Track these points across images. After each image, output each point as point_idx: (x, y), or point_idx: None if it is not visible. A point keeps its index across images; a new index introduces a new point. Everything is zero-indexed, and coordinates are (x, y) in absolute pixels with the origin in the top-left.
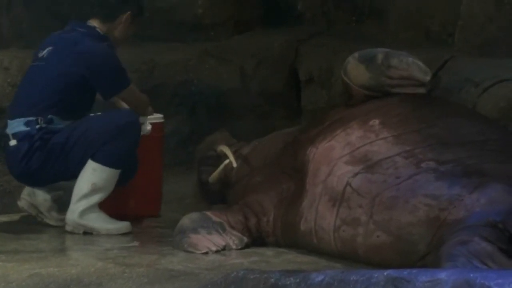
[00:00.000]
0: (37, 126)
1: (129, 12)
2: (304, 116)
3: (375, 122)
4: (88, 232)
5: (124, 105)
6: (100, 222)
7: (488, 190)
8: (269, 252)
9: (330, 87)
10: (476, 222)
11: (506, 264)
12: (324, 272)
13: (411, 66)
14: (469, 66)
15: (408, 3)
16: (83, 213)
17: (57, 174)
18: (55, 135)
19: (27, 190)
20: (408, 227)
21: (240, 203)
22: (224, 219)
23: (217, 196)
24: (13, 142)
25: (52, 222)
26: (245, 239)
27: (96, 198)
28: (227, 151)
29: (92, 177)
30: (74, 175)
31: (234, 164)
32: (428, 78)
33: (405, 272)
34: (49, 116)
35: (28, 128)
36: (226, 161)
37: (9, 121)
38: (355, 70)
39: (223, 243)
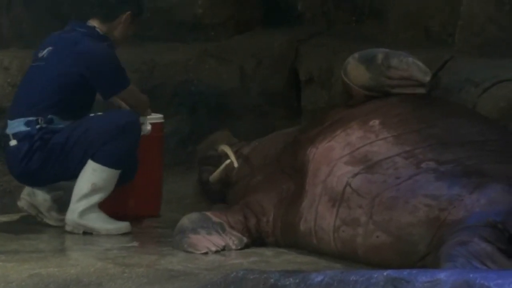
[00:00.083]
0: (37, 126)
1: (129, 12)
2: (304, 116)
3: (375, 122)
4: (88, 232)
5: (124, 105)
6: (100, 222)
7: (488, 190)
8: (268, 252)
9: (330, 87)
10: (476, 223)
11: (506, 265)
12: (324, 273)
13: (411, 67)
14: (469, 66)
15: (408, 3)
16: (83, 213)
17: (57, 174)
18: (55, 135)
19: (27, 190)
20: (408, 227)
21: (240, 203)
22: (224, 220)
23: (218, 195)
24: (13, 142)
25: (52, 222)
26: (245, 239)
27: (96, 198)
28: (229, 151)
29: (92, 177)
30: (74, 175)
31: (236, 164)
32: (428, 78)
33: (404, 273)
34: (49, 116)
35: (28, 128)
36: (227, 161)
37: (9, 121)
38: (355, 71)
39: (223, 243)
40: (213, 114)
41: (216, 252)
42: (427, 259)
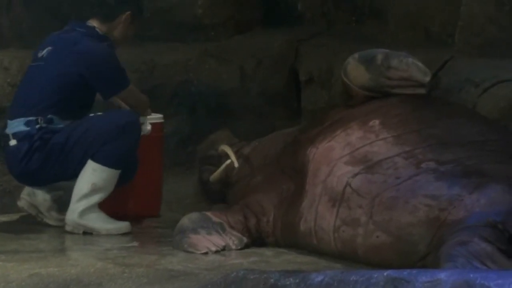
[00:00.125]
0: (37, 126)
1: (128, 12)
2: (304, 116)
3: (375, 122)
4: (88, 232)
5: (124, 105)
6: (100, 222)
7: (488, 190)
8: (268, 252)
9: (330, 87)
10: (476, 223)
11: (506, 265)
12: (324, 273)
13: (410, 67)
14: (469, 66)
15: (408, 3)
16: (83, 213)
17: (57, 174)
18: (55, 135)
19: (27, 190)
20: (408, 227)
21: (240, 203)
22: (224, 220)
23: (218, 195)
24: (13, 142)
25: (52, 222)
26: (245, 239)
27: (96, 198)
28: (229, 151)
29: (92, 177)
30: (74, 175)
31: (236, 165)
32: (427, 79)
33: (405, 273)
34: (49, 116)
35: (28, 128)
36: (228, 161)
37: (9, 121)
38: (355, 71)
39: (223, 243)
40: (213, 114)
41: (216, 252)
42: (427, 259)
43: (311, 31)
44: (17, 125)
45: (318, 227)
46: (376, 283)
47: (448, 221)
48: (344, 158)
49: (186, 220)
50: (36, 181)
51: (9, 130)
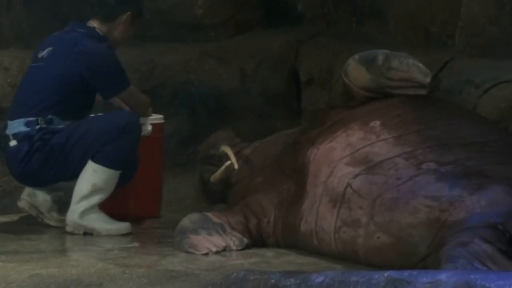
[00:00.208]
0: (37, 127)
1: (129, 13)
2: (304, 116)
3: (376, 123)
4: (88, 233)
5: (124, 106)
6: (100, 222)
7: (488, 191)
8: (269, 253)
9: (330, 88)
10: (477, 224)
11: (507, 266)
12: (325, 273)
13: (411, 68)
14: (470, 67)
15: (409, 4)
16: (84, 213)
17: (57, 175)
18: (55, 135)
19: (27, 190)
20: (408, 228)
21: (240, 204)
22: (225, 220)
23: (219, 195)
24: (13, 143)
25: (52, 223)
26: (246, 240)
27: (96, 199)
28: (229, 152)
29: (92, 178)
30: (74, 176)
31: (236, 166)
32: (428, 79)
33: (405, 273)
34: (49, 117)
35: (28, 129)
36: (228, 162)
37: (9, 122)
38: (355, 72)
39: (224, 244)
40: (213, 115)
41: (217, 252)
42: (428, 260)
43: (311, 31)
44: (17, 126)
45: (319, 228)
46: (376, 284)
47: (448, 222)
48: (344, 159)
49: (186, 221)
50: (36, 182)
51: (9, 131)
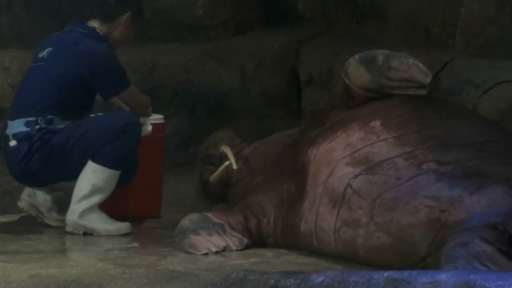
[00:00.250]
0: (37, 127)
1: (129, 13)
2: (304, 117)
3: (376, 123)
4: (88, 233)
5: (124, 106)
6: (100, 222)
7: (488, 191)
8: (269, 253)
9: (330, 88)
10: (477, 224)
11: (506, 266)
12: (324, 273)
13: (411, 68)
14: (470, 67)
15: (409, 4)
16: (83, 213)
17: (57, 175)
18: (55, 135)
19: (27, 190)
20: (408, 228)
21: (240, 204)
22: (225, 220)
23: (218, 195)
24: (13, 143)
25: (52, 223)
26: (245, 240)
27: (96, 199)
28: (228, 152)
29: (92, 178)
30: (74, 176)
31: (234, 166)
32: (428, 80)
33: (405, 274)
34: (49, 117)
35: (28, 129)
36: (227, 163)
37: (9, 122)
38: (355, 72)
39: (223, 244)
40: (213, 115)
41: (217, 253)
42: (428, 260)
43: (312, 31)
44: (17, 126)
45: (319, 228)
46: (376, 284)
47: (448, 222)
48: (345, 159)
49: (186, 221)
50: (36, 182)
51: (9, 131)
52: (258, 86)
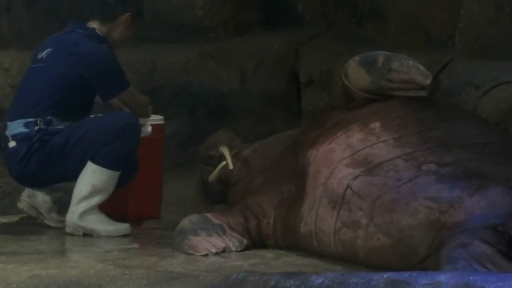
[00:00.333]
0: (36, 128)
1: (128, 13)
2: (304, 118)
3: (376, 125)
4: (88, 234)
5: (124, 107)
6: (100, 223)
7: (488, 192)
8: (269, 254)
9: (330, 89)
10: (476, 225)
11: (506, 267)
12: (324, 275)
13: (411, 70)
14: (470, 68)
15: (408, 5)
16: (83, 214)
17: (57, 176)
18: (54, 136)
19: (27, 191)
20: (408, 229)
21: (240, 205)
22: (224, 221)
23: (218, 196)
24: (12, 144)
25: (52, 224)
26: (245, 241)
27: (96, 199)
28: (226, 153)
29: (92, 179)
30: (73, 177)
31: (231, 166)
32: (428, 81)
33: (405, 275)
34: (48, 117)
35: (27, 130)
36: (223, 163)
37: (9, 123)
38: (355, 74)
39: (223, 245)
40: (213, 116)
41: (216, 254)
42: (428, 262)
43: (311, 32)
44: (16, 127)
45: (319, 229)
46: (376, 285)
47: (448, 223)
48: (344, 161)
49: (186, 222)
50: (35, 183)
51: (8, 132)
52: (258, 87)
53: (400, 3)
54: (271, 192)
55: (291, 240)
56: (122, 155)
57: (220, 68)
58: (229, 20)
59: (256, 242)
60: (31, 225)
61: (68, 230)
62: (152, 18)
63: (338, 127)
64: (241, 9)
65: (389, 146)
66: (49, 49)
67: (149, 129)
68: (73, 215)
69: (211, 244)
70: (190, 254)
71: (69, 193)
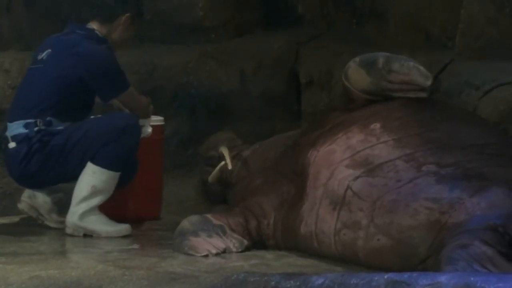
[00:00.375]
0: (36, 128)
1: (128, 14)
2: (304, 118)
3: (376, 126)
4: (88, 235)
5: (124, 108)
6: (100, 224)
7: (488, 193)
8: (269, 255)
9: (330, 90)
10: (477, 226)
11: (507, 268)
12: (325, 275)
13: (412, 71)
14: (470, 69)
15: (409, 5)
16: (83, 215)
17: (57, 176)
18: (54, 137)
19: (27, 192)
20: (408, 230)
21: (240, 205)
22: (225, 222)
23: (218, 196)
24: (12, 145)
25: (52, 224)
26: (246, 242)
27: (96, 200)
28: (225, 153)
29: (92, 179)
30: (73, 177)
31: (230, 167)
32: (429, 82)
33: (405, 276)
34: (48, 118)
35: (26, 131)
36: (222, 163)
37: (9, 124)
38: (356, 75)
39: (224, 246)
40: (213, 116)
41: (217, 254)
42: (428, 262)
43: (311, 33)
44: (16, 128)
45: (319, 230)
46: (376, 286)
47: (448, 224)
48: (345, 161)
49: (186, 223)
50: (35, 183)
51: (8, 133)
52: (258, 88)
53: (400, 3)
54: (271, 193)
55: (291, 241)
56: (122, 156)
57: (220, 68)
58: (229, 21)
59: (256, 242)
60: (31, 226)
61: (68, 231)
62: (152, 19)
63: (338, 128)
64: (241, 10)
65: (389, 147)
66: (49, 50)
67: (149, 129)
68: (73, 216)
69: (212, 245)
70: (191, 255)
71: (69, 194)
